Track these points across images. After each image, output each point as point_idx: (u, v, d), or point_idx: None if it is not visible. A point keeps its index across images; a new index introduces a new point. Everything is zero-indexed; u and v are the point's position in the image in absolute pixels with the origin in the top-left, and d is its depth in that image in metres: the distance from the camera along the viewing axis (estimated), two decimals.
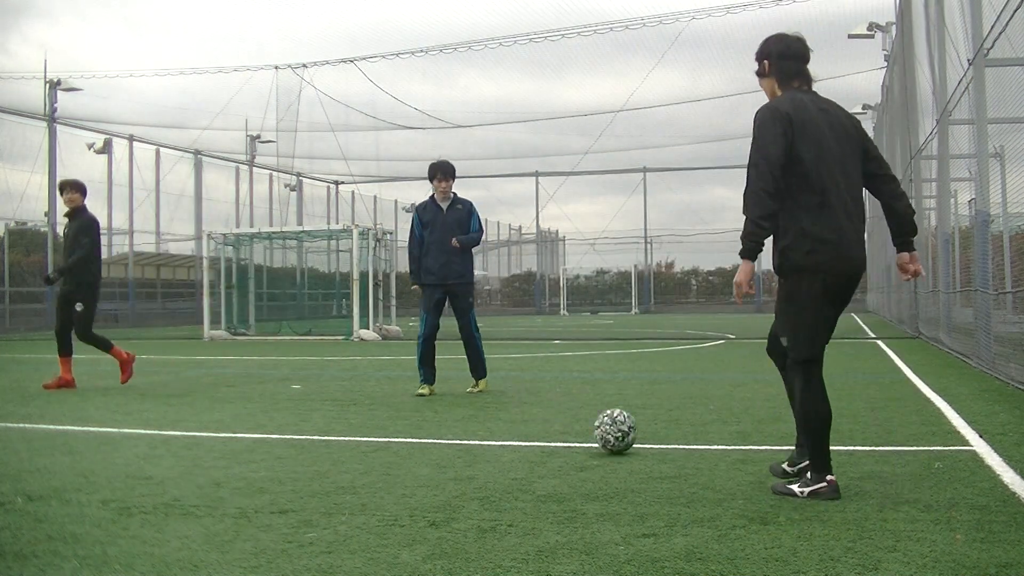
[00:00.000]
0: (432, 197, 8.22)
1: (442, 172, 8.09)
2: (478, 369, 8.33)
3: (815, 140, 3.93)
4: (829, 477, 3.93)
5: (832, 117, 4.05)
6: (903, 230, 4.18)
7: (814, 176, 3.92)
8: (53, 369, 9.81)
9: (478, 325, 8.39)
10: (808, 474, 4.01)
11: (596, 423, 5.07)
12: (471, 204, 8.32)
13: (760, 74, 4.25)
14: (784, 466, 4.27)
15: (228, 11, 47.67)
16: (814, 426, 4.00)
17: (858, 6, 24.98)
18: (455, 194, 8.25)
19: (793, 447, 4.39)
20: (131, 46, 53.43)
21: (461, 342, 8.33)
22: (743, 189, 4.01)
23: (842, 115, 4.11)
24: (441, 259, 8.06)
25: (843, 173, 3.98)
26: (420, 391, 8.07)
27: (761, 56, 4.22)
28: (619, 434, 4.98)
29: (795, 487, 3.97)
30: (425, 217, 8.14)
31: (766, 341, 4.35)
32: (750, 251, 3.95)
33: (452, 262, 8.08)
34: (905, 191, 4.25)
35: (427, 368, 8.15)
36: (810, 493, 3.91)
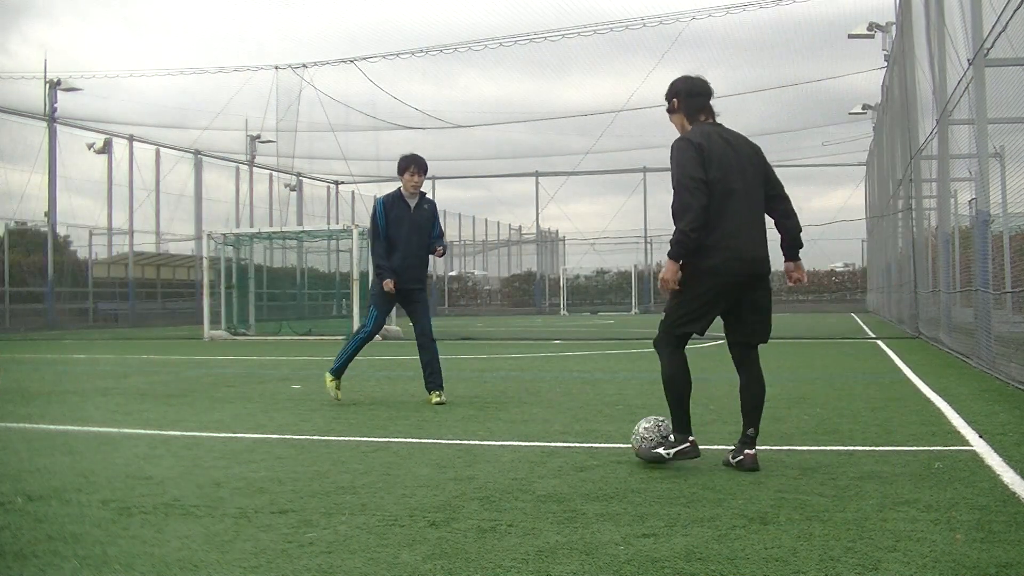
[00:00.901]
0: (399, 192, 7.58)
1: (416, 165, 7.49)
2: (438, 377, 7.52)
3: (720, 165, 4.56)
4: (691, 438, 4.65)
5: (735, 146, 4.69)
6: (791, 243, 4.83)
7: (719, 195, 4.54)
8: (53, 369, 9.80)
9: None
10: (672, 436, 4.63)
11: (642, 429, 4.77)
12: (435, 204, 7.86)
13: (670, 111, 4.89)
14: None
15: (228, 11, 47.69)
16: (676, 393, 4.74)
17: (858, 6, 24.99)
18: (423, 192, 7.74)
19: (793, 447, 4.48)
20: (131, 46, 53.46)
21: (420, 346, 7.66)
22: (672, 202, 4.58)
23: (744, 144, 4.75)
24: (406, 261, 7.51)
25: (745, 193, 4.61)
26: (337, 395, 7.63)
27: (671, 95, 4.87)
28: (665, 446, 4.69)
29: (661, 450, 4.59)
30: (392, 213, 7.50)
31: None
32: (678, 256, 4.54)
33: (414, 266, 7.59)
34: (795, 210, 4.85)
35: (346, 365, 7.69)
36: (675, 454, 4.56)
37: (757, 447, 4.62)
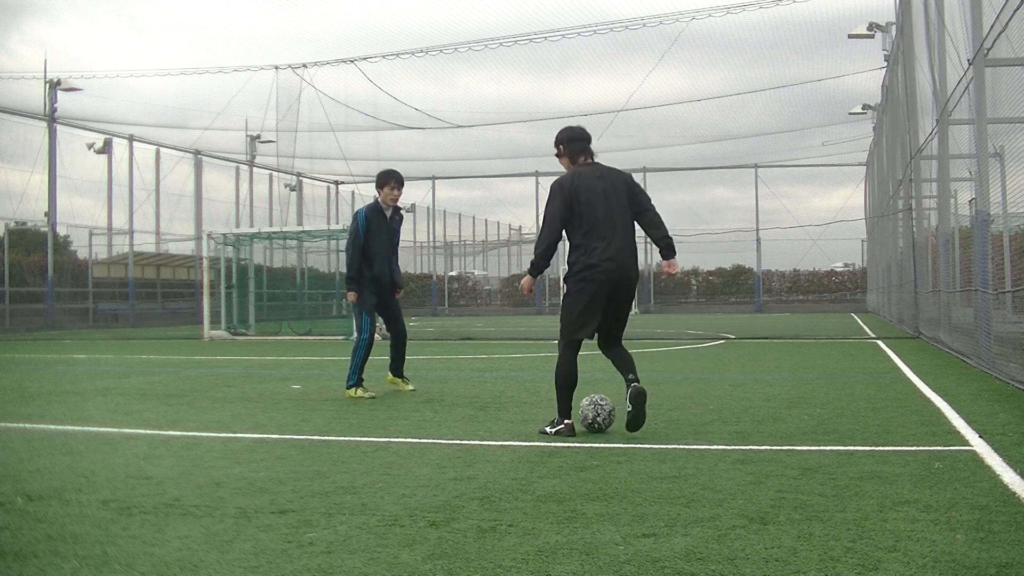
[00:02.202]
0: (377, 204, 8.21)
1: (396, 180, 8.22)
2: (401, 367, 8.53)
3: (588, 201, 5.73)
4: (567, 420, 5.72)
5: (606, 180, 5.84)
6: (661, 246, 5.99)
7: (587, 223, 5.72)
8: (53, 369, 9.80)
9: None
10: (554, 419, 5.78)
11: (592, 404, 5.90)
12: (402, 213, 8.61)
13: (558, 155, 6.07)
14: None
15: (229, 11, 47.65)
16: (562, 384, 5.82)
17: (858, 6, 24.98)
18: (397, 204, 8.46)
19: (793, 447, 4.70)
20: (132, 45, 53.44)
21: (399, 341, 8.54)
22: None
23: (615, 176, 5.93)
24: (384, 267, 8.17)
25: (609, 220, 5.73)
26: (371, 393, 8.00)
27: (557, 143, 6.06)
28: (603, 415, 5.85)
29: (547, 428, 5.76)
30: (372, 223, 8.10)
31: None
32: (534, 273, 5.93)
33: (393, 270, 8.30)
34: (661, 220, 5.98)
35: (361, 373, 8.08)
36: (554, 431, 5.70)
37: (756, 447, 4.84)
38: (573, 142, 6.00)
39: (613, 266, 5.71)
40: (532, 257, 5.95)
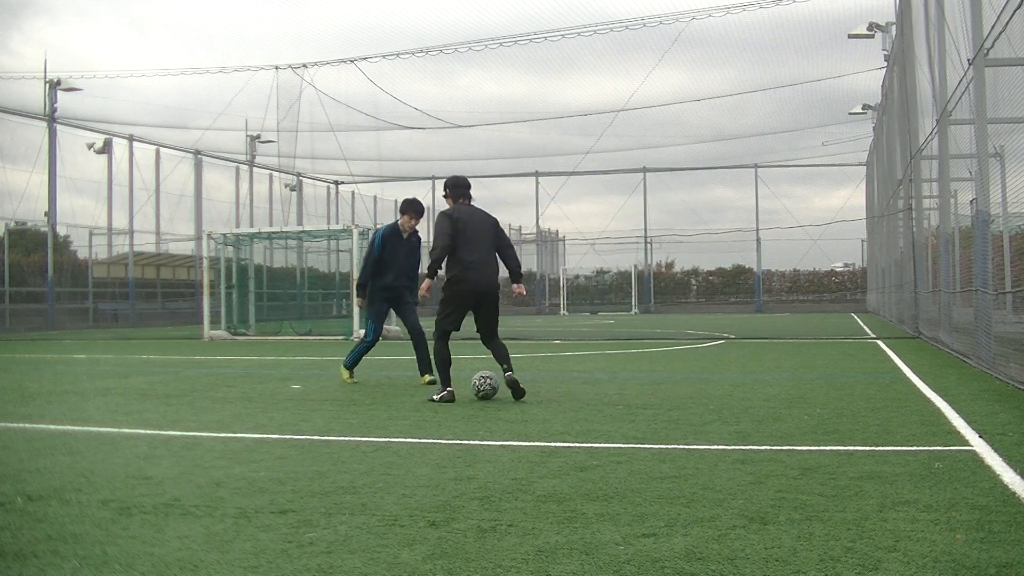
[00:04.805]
0: (397, 227, 9.31)
1: (415, 212, 9.31)
2: (428, 363, 9.14)
3: (464, 230, 7.62)
4: (449, 388, 7.59)
5: (478, 217, 7.79)
6: (513, 274, 7.97)
7: (463, 246, 7.60)
8: (53, 369, 9.80)
9: None
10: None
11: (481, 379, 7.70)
12: (421, 238, 9.71)
13: (445, 197, 7.96)
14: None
15: (229, 11, 47.62)
16: (441, 362, 7.70)
17: (858, 6, 25.00)
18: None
19: (793, 447, 4.73)
20: (132, 45, 53.41)
21: (418, 342, 9.36)
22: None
23: (484, 215, 7.87)
24: (397, 280, 9.31)
25: (478, 245, 7.66)
26: (354, 379, 9.39)
27: (445, 187, 7.96)
28: (493, 386, 7.68)
29: (434, 396, 7.63)
30: (388, 245, 9.23)
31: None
32: (431, 276, 7.82)
33: (402, 281, 9.38)
34: (516, 254, 8.00)
35: (359, 360, 9.48)
36: (439, 398, 7.52)
37: (756, 447, 4.88)
38: (457, 187, 7.90)
39: (478, 277, 7.61)
40: (435, 264, 7.72)
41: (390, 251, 9.20)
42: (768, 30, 26.98)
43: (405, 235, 9.28)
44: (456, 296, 7.65)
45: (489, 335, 7.78)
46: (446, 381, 7.64)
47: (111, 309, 31.95)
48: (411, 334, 9.40)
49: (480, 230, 7.68)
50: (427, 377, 9.06)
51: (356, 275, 13.79)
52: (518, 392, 7.48)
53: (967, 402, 7.06)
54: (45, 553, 3.24)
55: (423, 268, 8.50)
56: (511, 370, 7.52)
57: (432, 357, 7.89)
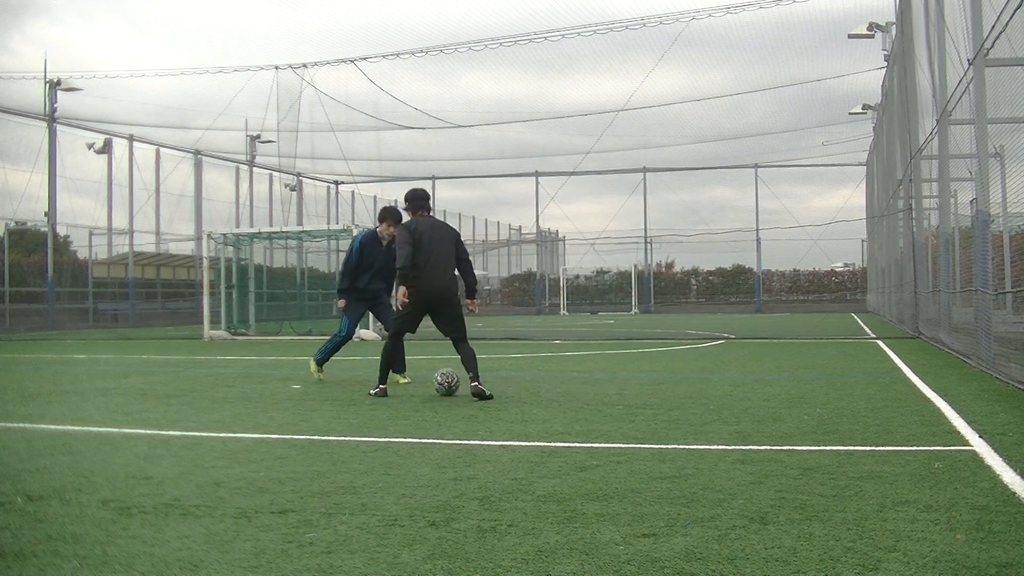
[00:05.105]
0: (376, 234, 9.66)
1: (393, 219, 9.51)
2: (403, 363, 9.29)
3: (421, 240, 8.01)
4: (382, 385, 8.15)
5: (436, 228, 8.17)
6: (468, 289, 8.36)
7: (422, 255, 7.98)
8: (53, 369, 9.79)
9: None
10: (376, 384, 8.18)
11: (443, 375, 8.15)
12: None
13: (405, 210, 8.37)
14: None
15: (229, 11, 47.63)
16: (386, 361, 8.25)
17: (858, 6, 24.98)
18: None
19: (793, 447, 4.80)
20: (132, 45, 53.43)
21: (448, 344, 9.29)
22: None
23: (443, 227, 8.30)
24: (374, 284, 9.71)
25: (435, 254, 8.02)
26: (321, 375, 9.76)
27: (405, 201, 8.33)
28: (448, 383, 8.09)
29: (371, 390, 8.16)
30: (366, 250, 9.63)
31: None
32: (402, 282, 8.06)
33: (379, 284, 9.77)
34: (472, 269, 8.33)
35: (329, 356, 9.86)
36: (375, 393, 8.08)
37: (756, 447, 4.89)
38: (416, 200, 8.27)
39: (429, 283, 7.99)
40: (401, 271, 8.07)
41: (368, 256, 9.61)
42: (768, 30, 26.98)
43: (384, 242, 9.61)
44: (414, 301, 8.05)
45: (456, 340, 8.11)
46: (384, 378, 8.19)
47: (111, 309, 31.95)
48: (387, 332, 9.83)
49: (437, 240, 8.08)
50: (402, 378, 9.21)
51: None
52: (481, 397, 7.75)
53: (967, 402, 7.06)
54: (45, 553, 3.24)
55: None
56: (477, 380, 7.78)
57: (382, 354, 8.29)
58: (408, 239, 8.00)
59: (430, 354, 13.26)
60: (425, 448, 5.41)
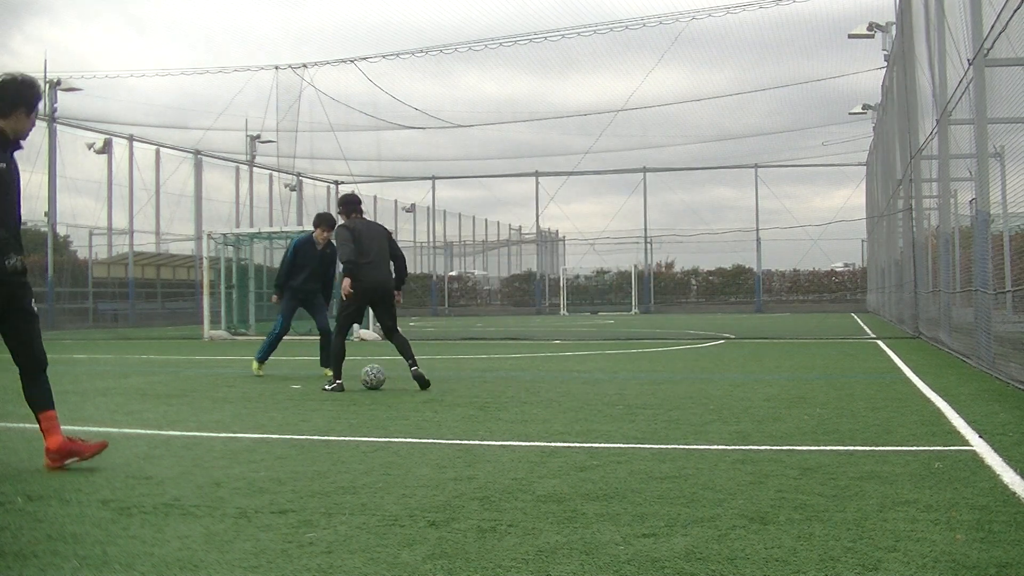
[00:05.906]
0: (311, 238, 10.39)
1: (327, 225, 10.28)
2: (330, 360, 9.44)
3: (360, 238, 8.69)
4: (339, 380, 8.61)
5: (371, 227, 8.94)
6: (397, 281, 9.02)
7: (363, 251, 8.66)
8: (53, 369, 9.77)
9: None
10: (331, 381, 8.66)
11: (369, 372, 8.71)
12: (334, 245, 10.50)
13: (339, 213, 9.01)
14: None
15: (229, 11, 47.63)
16: (336, 356, 8.78)
17: (858, 6, 24.99)
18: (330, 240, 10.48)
19: (793, 447, 4.83)
20: (132, 45, 53.44)
21: (325, 341, 10.09)
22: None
23: (377, 226, 9.07)
24: (309, 284, 10.44)
25: (373, 251, 8.73)
26: (259, 372, 10.47)
27: (339, 206, 9.02)
28: (374, 379, 8.66)
29: (325, 386, 8.65)
30: (300, 253, 10.36)
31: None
32: (347, 275, 8.67)
33: (313, 285, 10.50)
34: (405, 265, 9.17)
35: (269, 354, 10.61)
36: (331, 388, 8.55)
37: (756, 447, 4.93)
38: (349, 204, 8.95)
39: (372, 276, 8.71)
40: (347, 266, 8.66)
41: (302, 257, 10.37)
42: (768, 30, 27.00)
43: (319, 246, 10.35)
44: (358, 294, 8.70)
45: (389, 330, 8.91)
46: (338, 374, 8.70)
47: (111, 309, 31.95)
48: (320, 332, 10.42)
49: (374, 238, 8.82)
50: (328, 371, 9.57)
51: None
52: (424, 384, 8.47)
53: (967, 402, 7.06)
54: (45, 553, 3.24)
55: (340, 270, 9.19)
56: (416, 365, 8.56)
57: (332, 351, 8.91)
58: (349, 237, 8.67)
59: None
60: (425, 448, 5.41)
